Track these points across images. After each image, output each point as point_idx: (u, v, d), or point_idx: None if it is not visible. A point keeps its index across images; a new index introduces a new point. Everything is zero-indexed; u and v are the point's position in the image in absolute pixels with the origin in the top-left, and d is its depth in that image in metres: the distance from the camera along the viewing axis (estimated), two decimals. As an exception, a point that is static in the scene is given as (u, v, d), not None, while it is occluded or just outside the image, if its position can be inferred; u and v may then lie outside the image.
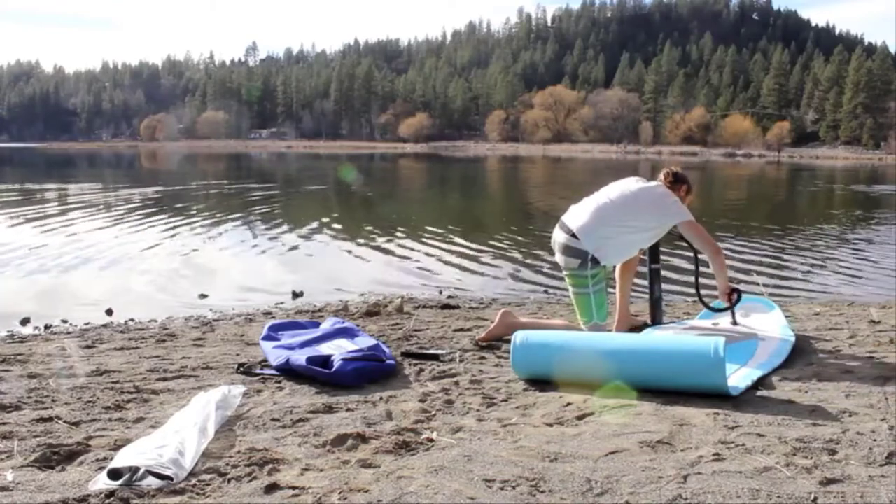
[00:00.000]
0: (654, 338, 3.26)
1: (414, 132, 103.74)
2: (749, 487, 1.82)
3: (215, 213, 13.23)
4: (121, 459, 1.96)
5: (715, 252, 3.64)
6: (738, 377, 2.86)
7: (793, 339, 3.44)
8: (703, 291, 3.98)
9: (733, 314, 3.75)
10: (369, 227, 11.05)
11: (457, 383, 2.94)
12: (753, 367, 3.03)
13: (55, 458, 2.07)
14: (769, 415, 2.44)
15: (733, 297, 3.70)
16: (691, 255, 4.04)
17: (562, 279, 6.91)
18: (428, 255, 8.50)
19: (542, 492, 1.83)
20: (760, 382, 2.85)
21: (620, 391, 2.66)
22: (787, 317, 3.93)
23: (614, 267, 4.02)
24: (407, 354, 3.44)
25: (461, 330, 4.10)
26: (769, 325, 3.68)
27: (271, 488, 1.87)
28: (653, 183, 3.85)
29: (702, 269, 3.92)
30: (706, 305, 3.88)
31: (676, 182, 3.88)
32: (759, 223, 12.98)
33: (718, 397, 2.59)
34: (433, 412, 2.55)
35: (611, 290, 4.01)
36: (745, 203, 19.80)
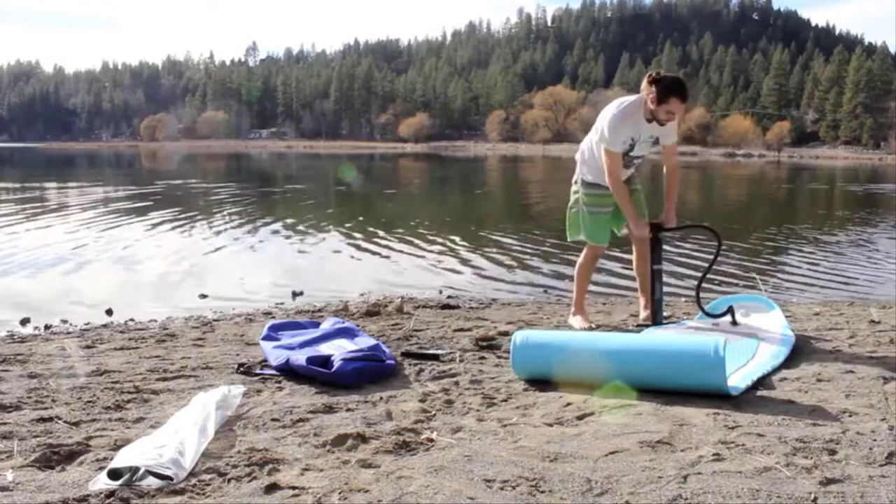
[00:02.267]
0: (654, 338, 3.26)
1: (414, 132, 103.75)
2: (749, 487, 1.82)
3: (215, 213, 13.23)
4: (121, 459, 1.96)
5: (609, 180, 3.80)
6: (739, 377, 2.86)
7: (793, 339, 3.44)
8: (702, 295, 3.99)
9: (733, 315, 3.76)
10: (369, 227, 11.05)
11: (457, 383, 2.94)
12: (754, 367, 3.03)
13: (55, 458, 2.07)
14: (769, 415, 2.44)
15: (643, 228, 3.80)
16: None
17: (560, 279, 6.93)
18: (428, 255, 8.50)
19: (542, 492, 1.83)
20: (760, 382, 2.85)
21: (620, 391, 2.66)
22: (787, 317, 3.93)
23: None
24: (407, 354, 3.43)
25: (461, 330, 4.10)
26: (769, 325, 3.68)
27: (271, 488, 1.87)
28: (629, 98, 3.80)
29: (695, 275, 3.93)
30: (702, 309, 3.88)
31: (652, 84, 3.64)
32: (760, 223, 12.98)
33: (718, 397, 2.59)
34: (433, 412, 2.55)
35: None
36: (746, 203, 19.80)
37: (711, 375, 2.60)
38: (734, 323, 3.73)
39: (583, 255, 4.17)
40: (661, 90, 3.59)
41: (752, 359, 3.16)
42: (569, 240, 4.17)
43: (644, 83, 3.70)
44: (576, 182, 4.07)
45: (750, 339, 3.43)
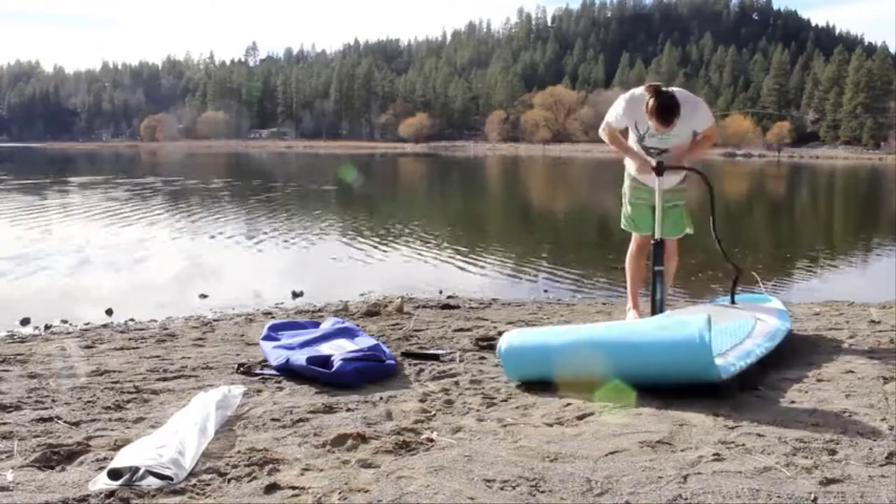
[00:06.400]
0: (636, 328, 3.14)
1: (414, 132, 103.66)
2: (749, 487, 1.82)
3: (215, 213, 13.23)
4: (121, 459, 1.96)
5: (604, 138, 4.05)
6: (734, 355, 2.86)
7: (790, 323, 3.48)
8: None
9: (733, 295, 3.79)
10: (369, 227, 11.05)
11: (457, 383, 2.94)
12: (750, 345, 3.03)
13: (55, 458, 2.07)
14: (769, 415, 2.44)
15: (647, 168, 3.88)
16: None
17: (560, 279, 6.93)
18: (428, 255, 8.50)
19: (542, 492, 1.83)
20: (760, 377, 2.84)
21: (620, 391, 2.65)
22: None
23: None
24: (407, 354, 3.43)
25: (461, 330, 4.10)
26: (767, 309, 3.73)
27: (271, 488, 1.87)
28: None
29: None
30: (725, 255, 3.90)
31: (651, 96, 3.74)
32: (759, 223, 12.98)
33: (718, 396, 2.59)
34: (433, 412, 2.55)
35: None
36: (746, 203, 19.80)
37: (698, 363, 2.55)
38: (732, 302, 3.77)
39: (629, 248, 4.25)
40: (650, 108, 3.68)
41: (749, 337, 3.16)
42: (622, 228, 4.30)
43: (646, 90, 3.75)
44: (624, 176, 4.22)
45: (747, 319, 3.45)
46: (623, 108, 3.88)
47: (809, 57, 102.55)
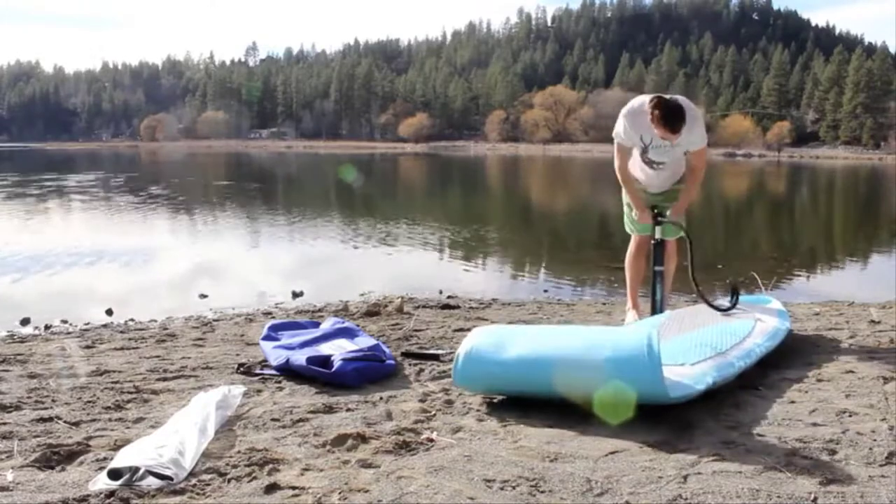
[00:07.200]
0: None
1: (414, 132, 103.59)
2: (749, 487, 1.82)
3: (215, 213, 13.23)
4: (121, 459, 1.96)
5: (616, 167, 3.98)
6: (735, 355, 2.87)
7: (789, 323, 3.51)
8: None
9: (735, 297, 3.80)
10: (369, 227, 11.05)
11: (457, 383, 2.94)
12: (750, 345, 3.05)
13: (55, 458, 2.07)
14: (769, 415, 2.44)
15: (646, 218, 3.89)
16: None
17: (560, 279, 6.93)
18: (428, 255, 8.50)
19: (542, 492, 1.83)
20: (760, 377, 2.84)
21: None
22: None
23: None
24: (407, 354, 3.43)
25: (461, 330, 4.09)
26: (767, 309, 3.75)
27: (271, 488, 1.87)
28: (644, 97, 3.89)
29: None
30: (709, 304, 3.88)
31: (653, 108, 3.66)
32: (759, 223, 12.97)
33: (719, 397, 2.59)
34: (433, 412, 2.55)
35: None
36: (746, 203, 19.80)
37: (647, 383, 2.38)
38: (733, 303, 3.78)
39: (629, 248, 4.24)
40: (656, 117, 3.63)
41: (749, 337, 3.17)
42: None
43: (649, 102, 3.69)
44: None
45: (747, 319, 3.46)
46: (625, 122, 3.82)
47: (809, 57, 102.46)
